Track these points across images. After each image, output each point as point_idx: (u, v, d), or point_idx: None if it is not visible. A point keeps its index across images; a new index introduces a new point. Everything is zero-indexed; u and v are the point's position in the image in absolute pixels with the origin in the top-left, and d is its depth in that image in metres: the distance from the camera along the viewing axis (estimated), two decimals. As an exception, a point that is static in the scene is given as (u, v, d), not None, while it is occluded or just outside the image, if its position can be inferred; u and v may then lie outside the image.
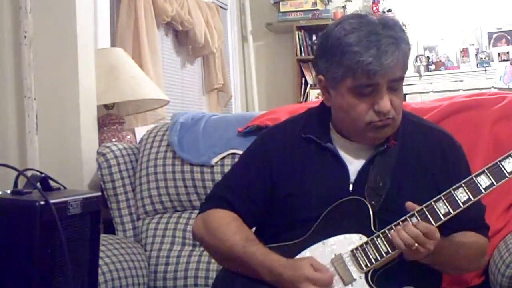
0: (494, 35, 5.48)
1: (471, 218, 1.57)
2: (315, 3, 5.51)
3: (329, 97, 1.56)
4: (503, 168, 1.44)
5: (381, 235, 1.46)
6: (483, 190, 1.44)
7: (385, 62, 1.43)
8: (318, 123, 1.62)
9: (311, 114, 1.68)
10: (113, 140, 2.63)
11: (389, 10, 5.49)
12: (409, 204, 1.45)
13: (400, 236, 1.41)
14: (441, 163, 1.58)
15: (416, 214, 1.44)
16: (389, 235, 1.45)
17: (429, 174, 1.57)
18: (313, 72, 5.62)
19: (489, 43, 5.47)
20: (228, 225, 1.58)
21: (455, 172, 1.54)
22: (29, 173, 1.51)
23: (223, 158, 2.21)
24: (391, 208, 1.49)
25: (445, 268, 1.58)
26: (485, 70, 5.31)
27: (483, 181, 1.44)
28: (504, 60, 5.35)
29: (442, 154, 1.59)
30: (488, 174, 1.44)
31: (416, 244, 1.40)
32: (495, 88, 5.11)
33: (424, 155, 1.58)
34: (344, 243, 1.49)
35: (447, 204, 1.44)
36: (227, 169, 2.13)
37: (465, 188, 1.44)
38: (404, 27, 1.50)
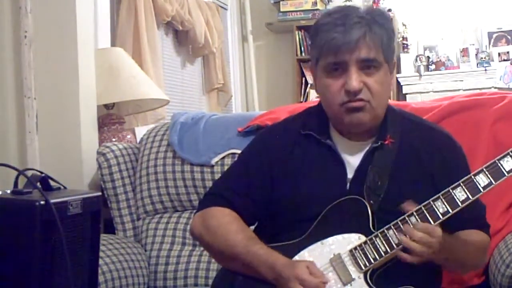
0: (494, 35, 5.48)
1: (473, 217, 1.58)
2: (315, 3, 5.51)
3: (316, 83, 1.60)
4: (501, 167, 1.44)
5: (379, 234, 1.46)
6: (481, 189, 1.44)
7: (348, 37, 1.45)
8: (317, 120, 1.63)
9: (310, 112, 1.69)
10: (113, 140, 2.63)
11: (389, 10, 5.48)
12: (404, 204, 1.45)
13: (412, 248, 1.41)
14: (440, 163, 1.58)
15: (414, 213, 1.45)
16: (388, 235, 1.45)
17: (428, 174, 1.56)
18: (314, 71, 5.63)
19: (489, 43, 5.47)
20: (229, 224, 1.58)
21: (454, 172, 1.53)
22: (29, 173, 1.51)
23: (223, 158, 2.21)
24: (390, 208, 1.49)
25: (454, 266, 1.58)
26: (485, 70, 5.30)
27: (482, 180, 1.44)
28: (504, 60, 5.34)
29: (441, 154, 1.59)
30: (486, 173, 1.44)
31: (424, 249, 1.40)
32: (495, 88, 5.11)
33: (423, 154, 1.58)
34: (343, 243, 1.49)
35: (445, 204, 1.44)
36: (227, 168, 2.13)
37: (464, 187, 1.44)
38: (400, 35, 1.54)
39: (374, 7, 1.42)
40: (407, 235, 1.41)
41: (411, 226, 1.42)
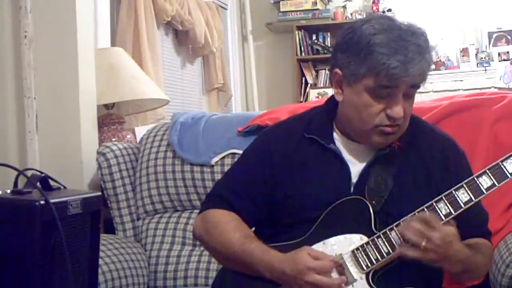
0: (494, 35, 5.48)
1: (476, 225, 1.58)
2: (315, 3, 5.51)
3: (342, 92, 1.55)
4: (504, 169, 1.43)
5: (382, 235, 1.45)
6: (484, 191, 1.43)
7: (411, 70, 1.42)
8: (321, 123, 1.62)
9: (315, 113, 1.67)
10: (113, 139, 2.63)
11: (389, 10, 5.49)
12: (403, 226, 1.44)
13: (409, 227, 1.39)
14: (443, 168, 1.57)
15: (417, 214, 1.44)
16: (390, 236, 1.44)
17: (431, 178, 1.56)
18: (313, 72, 5.62)
19: (489, 43, 5.47)
20: (227, 224, 1.58)
21: (457, 178, 1.52)
22: (29, 173, 1.51)
23: (223, 157, 2.21)
24: (392, 210, 1.49)
25: (466, 277, 1.57)
26: (485, 70, 5.31)
27: (485, 181, 1.43)
28: (504, 60, 5.35)
29: (445, 159, 1.58)
30: (489, 174, 1.43)
31: (423, 242, 1.37)
32: (495, 87, 5.11)
33: (427, 159, 1.58)
34: (345, 243, 1.49)
35: (448, 205, 1.44)
36: (227, 168, 2.12)
37: (467, 188, 1.44)
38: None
39: (410, 22, 1.40)
40: (411, 219, 1.40)
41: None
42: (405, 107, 1.48)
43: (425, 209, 1.44)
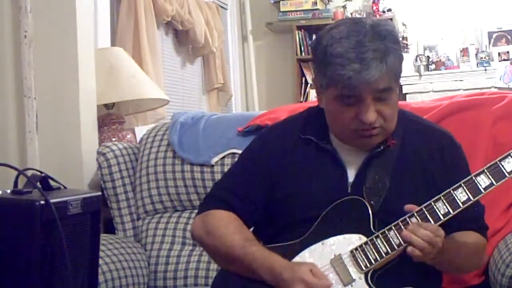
0: (494, 35, 5.48)
1: (471, 218, 1.57)
2: (315, 3, 5.51)
3: (321, 100, 1.57)
4: (502, 168, 1.43)
5: (380, 235, 1.46)
6: (482, 190, 1.44)
7: (366, 77, 1.40)
8: (317, 123, 1.62)
9: (310, 114, 1.67)
10: (113, 139, 2.63)
11: (389, 10, 5.49)
12: (407, 206, 1.45)
13: (415, 243, 1.40)
14: (440, 164, 1.57)
15: (415, 214, 1.44)
16: (389, 236, 1.45)
17: (429, 174, 1.56)
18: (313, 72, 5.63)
19: (489, 43, 5.47)
20: (227, 226, 1.57)
21: (454, 172, 1.53)
22: (29, 173, 1.51)
23: (223, 157, 2.21)
24: (391, 209, 1.49)
25: (446, 268, 1.58)
26: (485, 70, 5.30)
27: (483, 181, 1.44)
28: (504, 60, 5.34)
29: (441, 154, 1.59)
30: (487, 173, 1.44)
31: (427, 245, 1.39)
32: (495, 87, 5.11)
33: (424, 155, 1.58)
34: (344, 244, 1.49)
35: (446, 204, 1.44)
36: (227, 168, 2.13)
37: (465, 188, 1.44)
38: (400, 35, 1.48)
39: (378, 17, 1.34)
40: (411, 231, 1.41)
41: (416, 224, 1.42)
42: (381, 110, 1.46)
43: (424, 209, 1.44)
